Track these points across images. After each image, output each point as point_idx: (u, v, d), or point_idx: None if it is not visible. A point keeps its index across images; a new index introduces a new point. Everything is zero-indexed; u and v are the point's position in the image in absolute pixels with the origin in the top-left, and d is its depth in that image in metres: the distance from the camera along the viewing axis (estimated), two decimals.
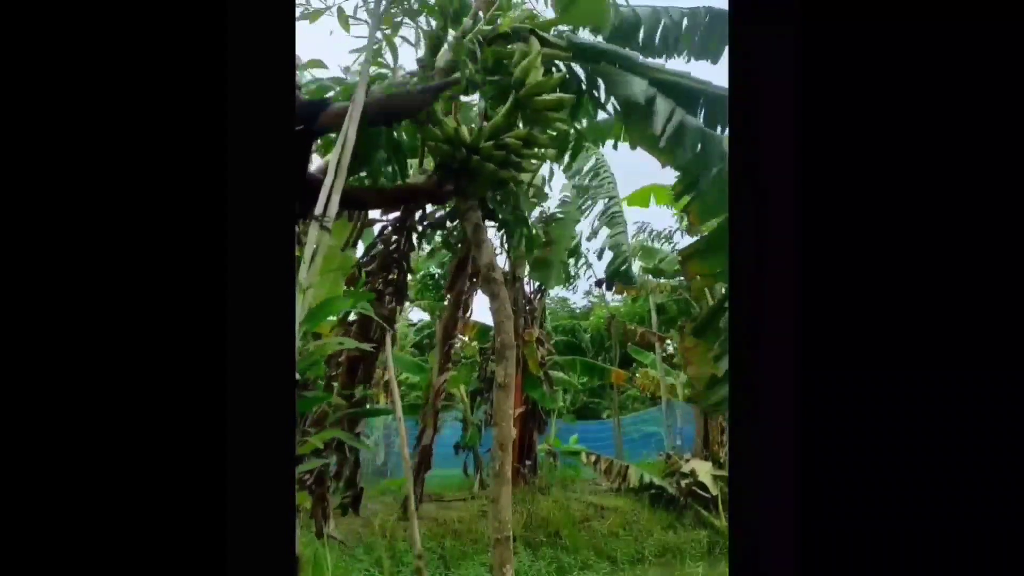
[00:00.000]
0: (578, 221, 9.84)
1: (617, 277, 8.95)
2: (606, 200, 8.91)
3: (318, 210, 2.39)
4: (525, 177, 4.65)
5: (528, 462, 9.83)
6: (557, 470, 10.91)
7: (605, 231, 9.01)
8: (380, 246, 5.03)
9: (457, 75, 3.87)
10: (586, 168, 8.99)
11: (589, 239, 9.27)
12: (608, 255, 8.97)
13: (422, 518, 6.40)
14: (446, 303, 7.40)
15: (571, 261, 10.22)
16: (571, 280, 11.42)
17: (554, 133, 4.26)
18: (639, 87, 4.07)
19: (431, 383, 7.01)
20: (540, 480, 9.84)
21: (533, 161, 4.22)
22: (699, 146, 3.85)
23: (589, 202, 8.98)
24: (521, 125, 4.12)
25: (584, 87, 4.52)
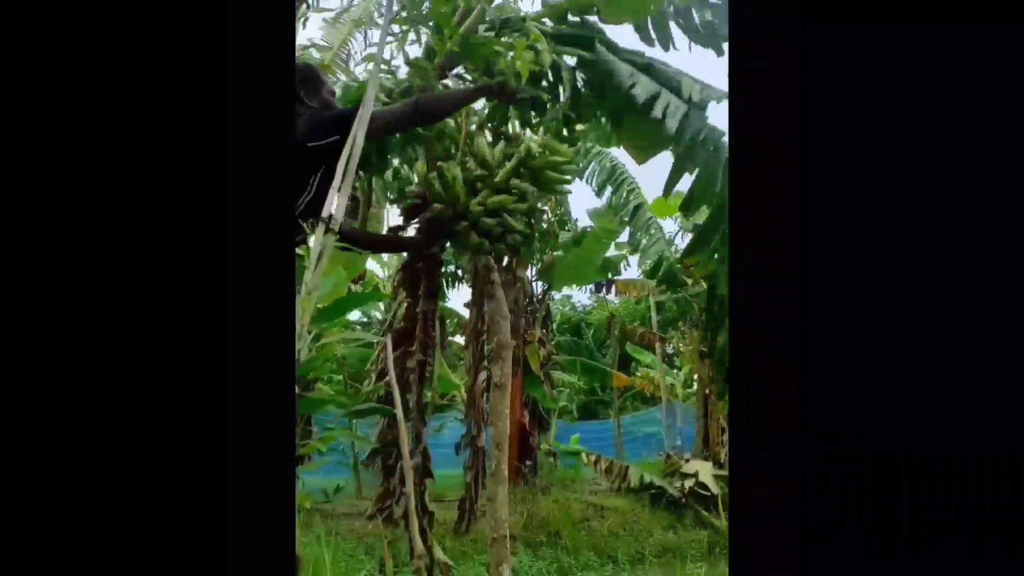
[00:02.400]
0: (612, 239, 9.71)
1: (665, 282, 8.87)
2: (634, 207, 8.82)
3: (324, 212, 2.39)
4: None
5: (528, 462, 9.83)
6: (557, 470, 10.91)
7: (643, 239, 8.91)
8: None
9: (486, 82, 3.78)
10: (605, 171, 8.93)
11: (633, 245, 9.22)
12: (649, 260, 8.88)
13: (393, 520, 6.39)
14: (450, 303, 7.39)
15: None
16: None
17: (565, 187, 4.18)
18: (625, 71, 4.07)
19: (472, 384, 6.93)
20: (540, 480, 9.83)
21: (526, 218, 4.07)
22: (688, 127, 3.84)
23: (620, 209, 8.90)
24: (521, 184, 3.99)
25: (574, 83, 4.52)
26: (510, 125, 4.15)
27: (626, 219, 8.84)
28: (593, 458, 10.52)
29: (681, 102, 4.00)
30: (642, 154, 4.57)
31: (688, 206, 4.37)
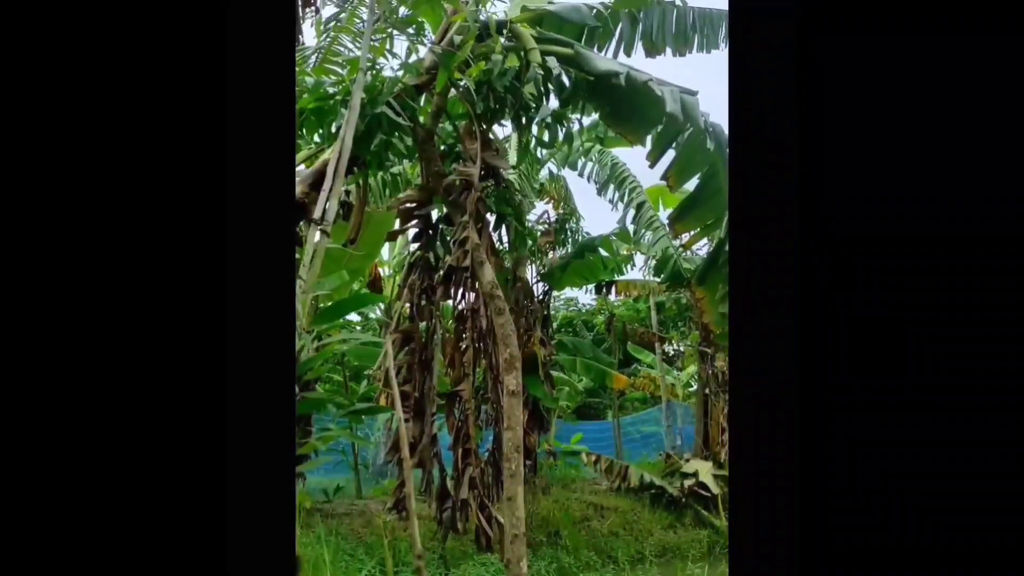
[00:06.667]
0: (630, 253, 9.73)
1: (670, 279, 8.99)
2: (637, 204, 8.92)
3: (316, 213, 2.40)
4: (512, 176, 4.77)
5: (528, 462, 9.83)
6: (557, 470, 10.92)
7: (648, 235, 9.01)
8: (414, 252, 5.17)
9: None
10: (603, 168, 9.01)
11: (636, 243, 9.33)
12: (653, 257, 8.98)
13: (422, 517, 6.40)
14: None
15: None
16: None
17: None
18: (608, 65, 4.23)
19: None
20: (540, 480, 9.83)
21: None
22: (677, 108, 4.00)
23: (619, 204, 9.00)
24: None
25: (562, 82, 4.64)
26: (498, 127, 4.25)
27: (631, 222, 8.92)
28: (593, 458, 10.53)
29: (664, 86, 4.18)
30: (636, 136, 4.71)
31: (677, 176, 4.52)
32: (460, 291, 6.27)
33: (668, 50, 5.12)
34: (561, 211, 10.06)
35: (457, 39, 4.45)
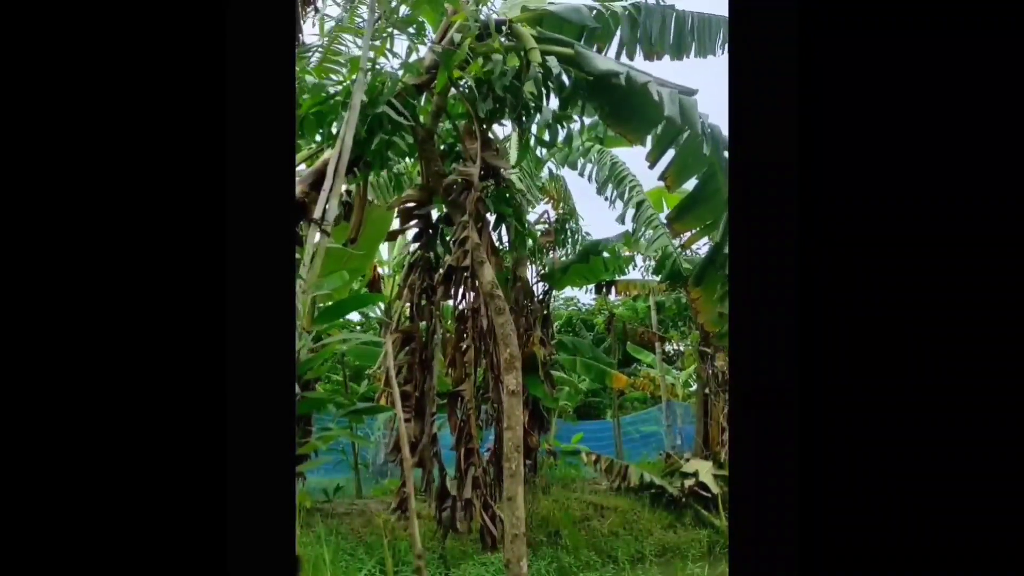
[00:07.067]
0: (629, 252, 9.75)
1: (670, 278, 9.02)
2: (636, 203, 8.95)
3: (316, 213, 2.40)
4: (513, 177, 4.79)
5: (528, 461, 9.82)
6: (557, 470, 10.91)
7: (648, 233, 9.04)
8: (415, 251, 5.20)
9: None
10: (602, 168, 9.04)
11: (635, 240, 9.34)
12: (652, 255, 8.99)
13: (422, 517, 6.41)
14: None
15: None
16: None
17: None
18: (608, 65, 4.24)
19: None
20: (540, 480, 9.83)
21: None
22: (675, 109, 4.02)
23: (618, 202, 9.03)
24: None
25: (562, 82, 4.67)
26: (498, 126, 4.26)
27: (632, 220, 8.95)
28: (593, 458, 10.53)
29: (664, 87, 4.20)
30: (636, 135, 4.74)
31: (676, 177, 4.54)
32: (460, 291, 6.27)
33: (667, 55, 5.16)
34: (561, 211, 10.08)
35: (457, 38, 4.46)
